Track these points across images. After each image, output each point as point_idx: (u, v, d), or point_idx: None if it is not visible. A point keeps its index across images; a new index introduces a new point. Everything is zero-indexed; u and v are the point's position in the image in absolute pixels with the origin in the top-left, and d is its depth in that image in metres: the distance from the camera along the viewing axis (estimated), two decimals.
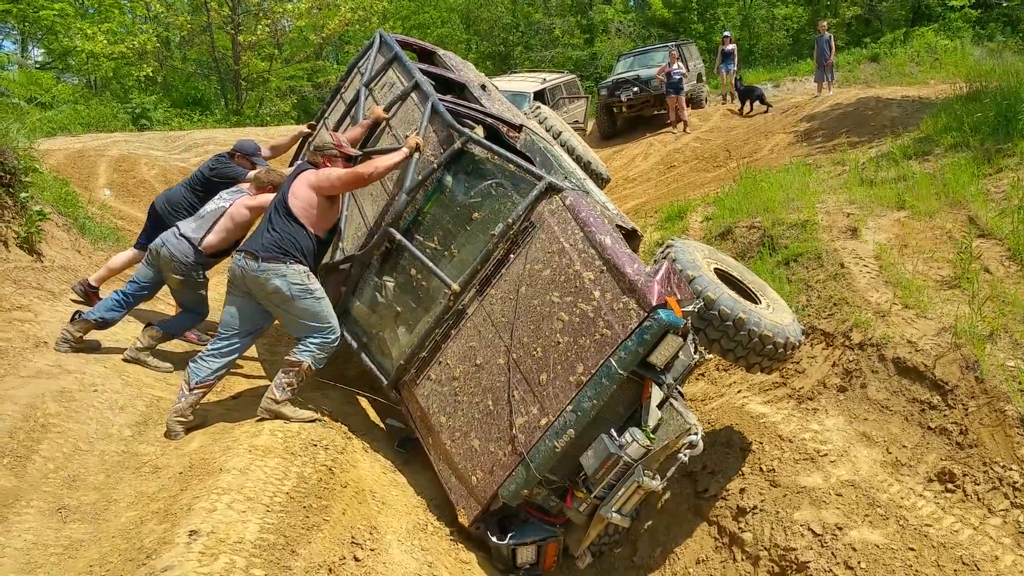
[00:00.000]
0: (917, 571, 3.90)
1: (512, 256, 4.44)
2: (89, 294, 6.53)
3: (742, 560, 4.40)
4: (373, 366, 5.07)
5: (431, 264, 4.75)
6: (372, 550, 3.89)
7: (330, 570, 3.60)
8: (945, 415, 4.67)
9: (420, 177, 4.95)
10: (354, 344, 5.14)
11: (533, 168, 4.59)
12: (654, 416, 3.98)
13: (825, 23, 16.86)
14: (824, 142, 10.91)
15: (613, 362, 3.91)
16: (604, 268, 4.07)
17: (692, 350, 4.27)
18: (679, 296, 4.09)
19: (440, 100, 5.28)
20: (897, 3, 25.80)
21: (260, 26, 23.76)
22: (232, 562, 3.41)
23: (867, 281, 5.83)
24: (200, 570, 3.31)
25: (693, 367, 4.41)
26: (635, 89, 16.89)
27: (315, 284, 4.89)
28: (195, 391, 4.84)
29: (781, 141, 12.32)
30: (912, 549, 4.02)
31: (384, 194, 5.23)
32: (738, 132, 14.75)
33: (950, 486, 4.35)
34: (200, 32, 23.95)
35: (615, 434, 3.98)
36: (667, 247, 4.85)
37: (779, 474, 4.65)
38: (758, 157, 11.95)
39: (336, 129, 6.29)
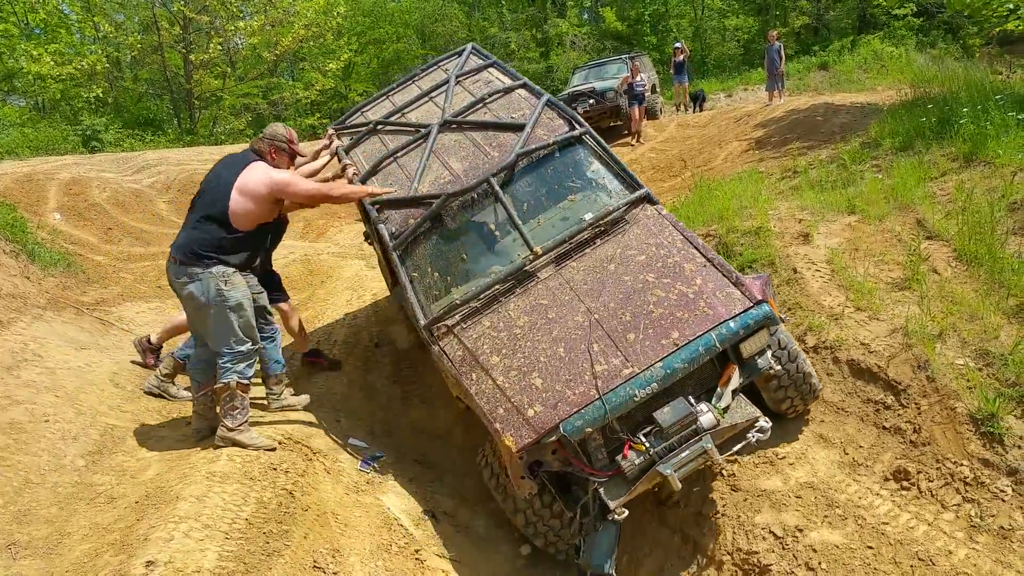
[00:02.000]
0: (876, 569, 3.96)
1: (599, 240, 4.92)
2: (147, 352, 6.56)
3: (706, 566, 4.43)
4: (416, 302, 5.07)
5: (519, 223, 5.00)
6: (335, 573, 3.86)
7: None
8: (899, 414, 4.76)
9: (532, 147, 5.31)
10: (405, 279, 5.17)
11: (635, 176, 5.26)
12: (727, 399, 4.29)
13: (775, 33, 17.22)
14: (776, 149, 11.11)
15: (713, 335, 4.25)
16: (706, 264, 4.60)
17: (769, 358, 4.51)
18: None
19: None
20: (844, 12, 26.42)
21: (212, 44, 23.55)
22: None
23: (820, 285, 5.94)
24: None
25: (758, 375, 4.54)
26: (591, 101, 17.04)
27: (235, 292, 4.80)
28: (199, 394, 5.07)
29: (735, 149, 12.52)
30: (870, 547, 4.08)
31: (476, 151, 5.50)
32: (693, 142, 14.94)
33: (905, 484, 4.43)
34: (151, 52, 23.68)
35: (692, 400, 4.24)
36: None
37: (739, 479, 4.70)
38: (713, 166, 12.12)
39: (401, 110, 6.49)
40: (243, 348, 4.88)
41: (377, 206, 5.40)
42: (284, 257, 9.90)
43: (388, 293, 8.57)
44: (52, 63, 20.84)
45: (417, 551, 4.47)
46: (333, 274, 9.51)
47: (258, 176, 4.89)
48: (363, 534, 4.39)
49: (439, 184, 5.35)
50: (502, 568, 4.89)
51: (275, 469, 4.61)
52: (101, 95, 22.66)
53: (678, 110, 19.38)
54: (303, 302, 8.68)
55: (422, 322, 4.96)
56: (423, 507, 5.07)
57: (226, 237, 4.84)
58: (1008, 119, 7.58)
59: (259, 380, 5.76)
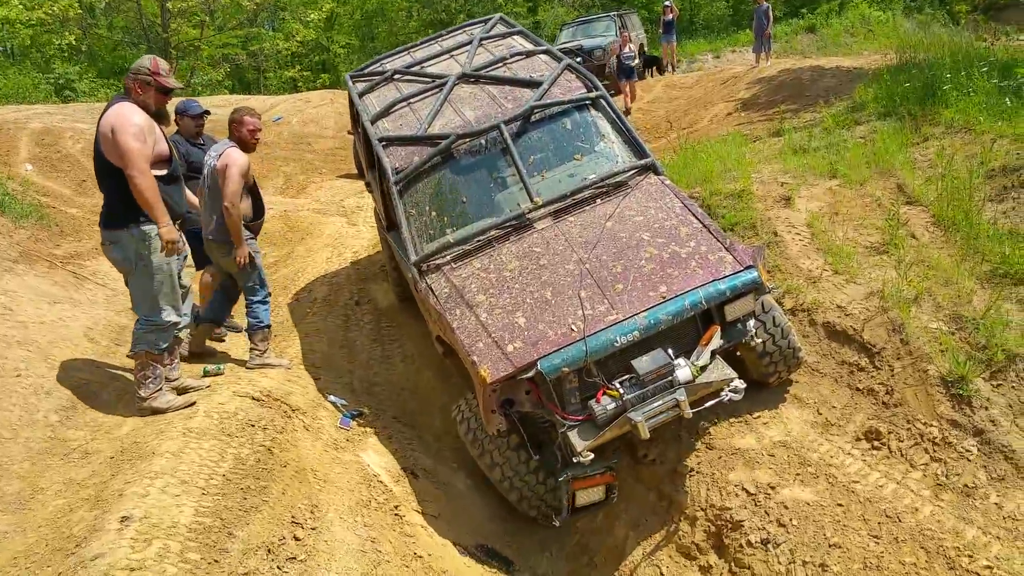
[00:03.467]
0: (845, 525, 4.06)
1: (600, 200, 5.03)
2: None
3: (680, 521, 4.51)
4: (410, 239, 5.14)
5: (524, 172, 5.11)
6: (313, 528, 3.88)
7: (269, 550, 3.58)
8: (872, 376, 4.84)
9: (547, 101, 5.42)
10: (402, 215, 5.21)
11: (644, 146, 5.35)
12: (705, 357, 4.34)
13: None
14: (762, 112, 11.07)
15: (700, 293, 4.32)
16: (702, 228, 4.68)
17: (752, 325, 4.54)
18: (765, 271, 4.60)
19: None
20: None
21: None
22: (166, 547, 3.37)
23: (799, 248, 5.97)
24: (132, 556, 3.27)
25: (738, 343, 4.60)
26: (578, 59, 16.86)
27: (157, 257, 4.63)
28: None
29: (720, 111, 12.46)
30: (840, 505, 4.17)
31: (491, 102, 5.59)
32: (679, 103, 14.85)
33: (876, 444, 4.52)
34: None
35: (671, 353, 4.29)
36: None
37: (715, 437, 4.76)
38: (698, 128, 12.07)
39: (421, 63, 6.60)
40: (158, 319, 4.73)
41: (384, 142, 5.44)
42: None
43: (368, 253, 8.56)
44: (21, 7, 20.20)
45: (396, 507, 4.51)
46: (313, 231, 9.44)
47: (106, 118, 4.53)
48: (342, 490, 4.41)
49: (450, 128, 5.40)
50: (481, 524, 4.96)
51: (253, 426, 4.62)
52: (74, 42, 22.13)
53: (666, 70, 19.22)
54: (282, 259, 8.63)
55: (413, 258, 5.02)
56: (403, 464, 5.11)
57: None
58: (990, 86, 7.59)
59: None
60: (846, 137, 7.94)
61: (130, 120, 4.46)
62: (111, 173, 4.52)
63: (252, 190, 5.76)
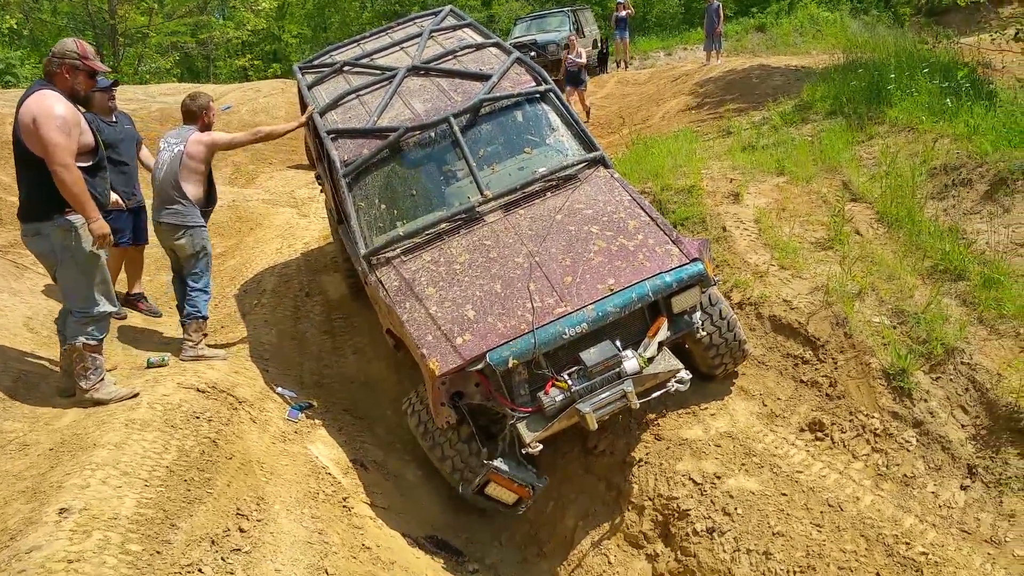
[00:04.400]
0: (788, 514, 4.14)
1: (549, 193, 5.05)
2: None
3: (628, 511, 4.56)
4: (359, 232, 5.10)
5: (474, 165, 5.11)
6: (259, 520, 3.82)
7: (213, 542, 3.51)
8: (816, 369, 4.94)
9: (496, 95, 5.41)
10: (351, 207, 5.16)
11: (593, 140, 5.39)
12: (652, 349, 4.40)
13: None
14: (712, 109, 11.21)
15: (648, 285, 4.38)
16: (649, 222, 4.75)
17: (698, 317, 4.61)
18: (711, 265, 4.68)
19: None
20: None
21: None
22: (106, 538, 3.29)
23: (747, 243, 6.07)
24: (71, 548, 3.18)
25: (684, 335, 4.66)
26: (532, 54, 16.86)
27: (85, 247, 4.46)
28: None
29: (672, 108, 12.58)
30: (784, 494, 4.26)
31: (440, 95, 5.57)
32: (632, 99, 14.95)
33: (819, 435, 4.63)
34: None
35: (619, 345, 4.35)
36: None
37: (663, 428, 4.82)
38: (650, 124, 12.17)
39: (371, 55, 6.54)
40: (93, 310, 4.59)
41: (333, 134, 5.40)
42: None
43: (319, 244, 8.46)
44: None
45: (345, 499, 4.47)
46: (263, 222, 9.29)
47: (27, 106, 4.35)
48: (289, 482, 4.36)
49: (399, 121, 5.37)
50: (431, 516, 4.94)
51: (198, 417, 4.52)
52: (16, 27, 21.37)
53: (618, 66, 19.35)
54: (230, 249, 8.47)
55: (362, 251, 4.99)
56: (352, 456, 5.06)
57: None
58: (933, 87, 7.79)
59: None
60: (794, 135, 8.08)
61: (53, 111, 4.25)
62: (32, 163, 4.33)
63: (208, 176, 5.84)
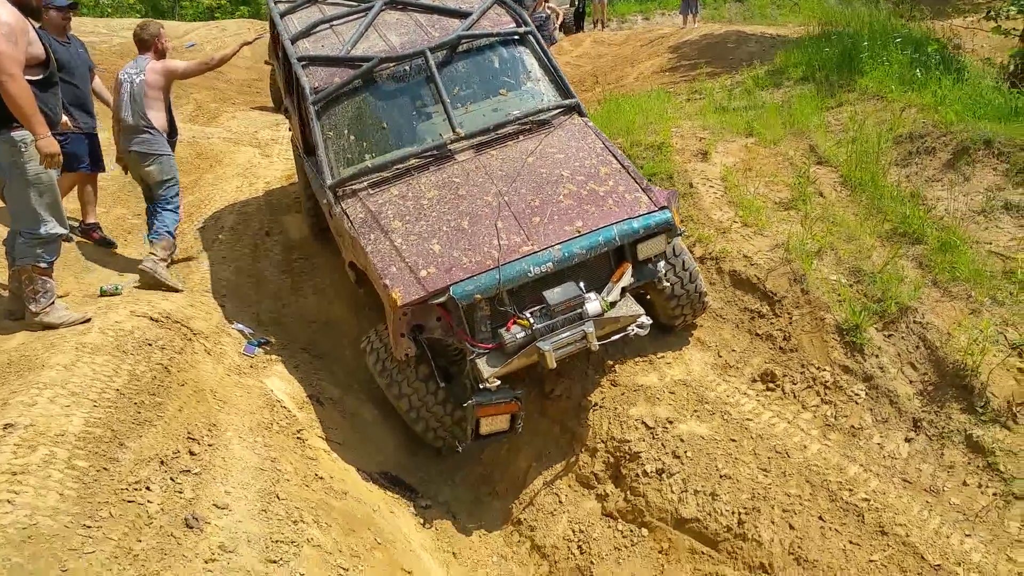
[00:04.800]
0: (736, 459, 4.23)
1: (522, 137, 5.02)
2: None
3: (581, 453, 4.62)
4: (326, 162, 5.01)
5: (447, 102, 5.02)
6: (210, 445, 3.81)
7: (163, 462, 3.50)
8: (772, 323, 5.02)
9: (475, 32, 5.35)
10: (319, 136, 5.06)
11: (569, 87, 5.35)
12: (615, 294, 4.43)
13: None
14: (686, 72, 11.17)
15: (615, 229, 4.39)
16: (620, 169, 4.76)
17: (662, 266, 4.62)
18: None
19: None
20: None
21: None
22: (52, 453, 3.27)
23: (712, 200, 6.10)
24: (15, 462, 3.16)
25: (647, 283, 4.68)
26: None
27: (33, 165, 4.35)
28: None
29: (646, 69, 12.50)
30: (733, 440, 4.34)
31: (417, 29, 5.49)
32: (607, 59, 14.82)
33: (771, 385, 4.71)
34: None
35: (583, 287, 4.37)
36: None
37: (619, 374, 4.88)
38: (624, 84, 12.09)
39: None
40: (41, 230, 4.49)
41: (304, 61, 5.28)
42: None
43: (281, 184, 8.33)
44: None
45: (299, 431, 4.46)
46: (223, 160, 9.09)
47: None
48: (243, 412, 4.33)
49: (373, 52, 5.27)
50: (386, 454, 4.96)
51: (150, 345, 4.47)
52: None
53: (595, 26, 19.18)
54: (189, 186, 8.28)
55: (329, 182, 4.91)
56: (308, 392, 5.05)
57: None
58: (904, 58, 7.85)
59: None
60: (765, 99, 8.10)
61: None
62: None
63: (167, 105, 6.17)
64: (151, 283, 5.61)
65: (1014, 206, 5.28)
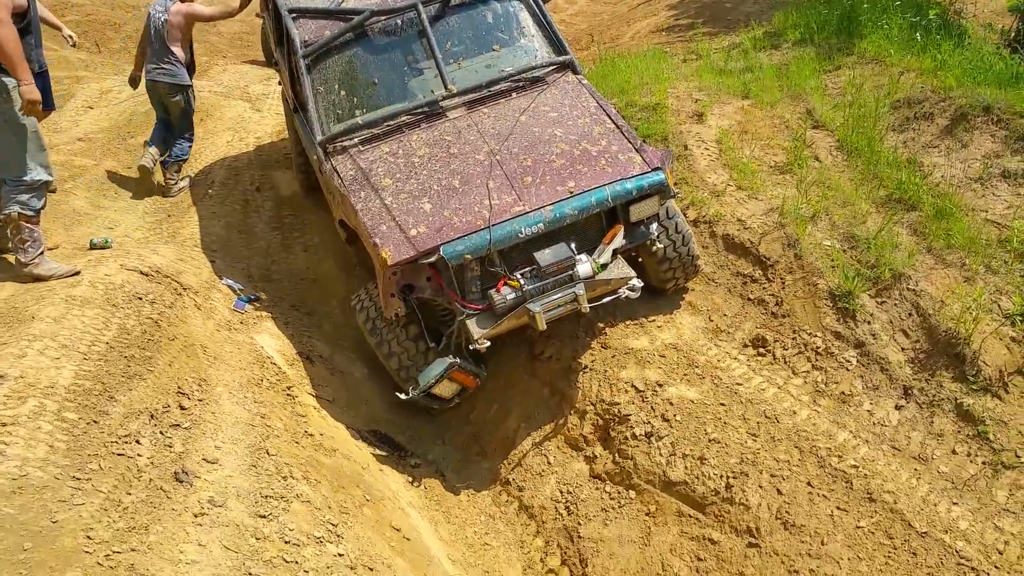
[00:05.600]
0: (725, 423, 4.24)
1: (515, 94, 4.94)
2: None
3: (570, 415, 4.63)
4: (316, 117, 4.95)
5: (439, 57, 4.92)
6: (200, 400, 3.79)
7: (152, 416, 3.48)
8: (764, 288, 5.01)
9: None
10: (309, 91, 4.97)
11: (564, 43, 5.25)
12: (607, 256, 4.40)
13: None
14: (683, 31, 11.03)
15: (607, 190, 4.35)
16: (614, 129, 4.68)
17: (655, 229, 4.60)
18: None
19: None
20: None
21: None
22: (42, 405, 3.25)
23: (707, 163, 6.05)
24: (4, 413, 3.15)
25: (638, 245, 4.66)
26: None
27: (17, 108, 4.32)
28: None
29: (642, 28, 12.34)
30: (723, 404, 4.35)
31: None
32: (603, 18, 14.63)
33: (762, 351, 4.71)
34: None
35: (574, 248, 4.34)
36: None
37: (610, 337, 4.86)
38: (620, 43, 11.93)
39: None
40: (27, 177, 4.47)
41: (294, 13, 5.19)
42: None
43: (272, 140, 8.22)
44: None
45: (289, 388, 4.45)
46: (214, 113, 8.94)
47: None
48: (233, 368, 4.31)
49: (365, 4, 5.16)
50: (376, 412, 4.96)
51: (140, 299, 4.43)
52: None
53: None
54: None
55: (319, 138, 4.84)
56: (299, 349, 5.02)
57: None
58: (904, 22, 7.75)
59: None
60: (762, 61, 7.99)
61: None
62: None
63: (190, 44, 7.02)
64: (165, 191, 6.99)
65: (1012, 174, 5.25)
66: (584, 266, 4.26)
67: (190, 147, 7.21)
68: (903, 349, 4.50)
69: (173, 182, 6.99)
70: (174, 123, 7.06)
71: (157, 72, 6.77)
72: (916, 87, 6.37)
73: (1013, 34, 7.72)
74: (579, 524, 4.16)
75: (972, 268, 4.71)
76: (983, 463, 3.98)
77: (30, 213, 4.47)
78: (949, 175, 5.41)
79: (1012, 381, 4.22)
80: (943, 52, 6.83)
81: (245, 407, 3.93)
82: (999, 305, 4.49)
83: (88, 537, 2.71)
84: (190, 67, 7.02)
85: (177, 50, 6.77)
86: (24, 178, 4.42)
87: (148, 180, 7.04)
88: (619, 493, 4.25)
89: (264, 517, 3.19)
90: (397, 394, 4.55)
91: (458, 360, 4.36)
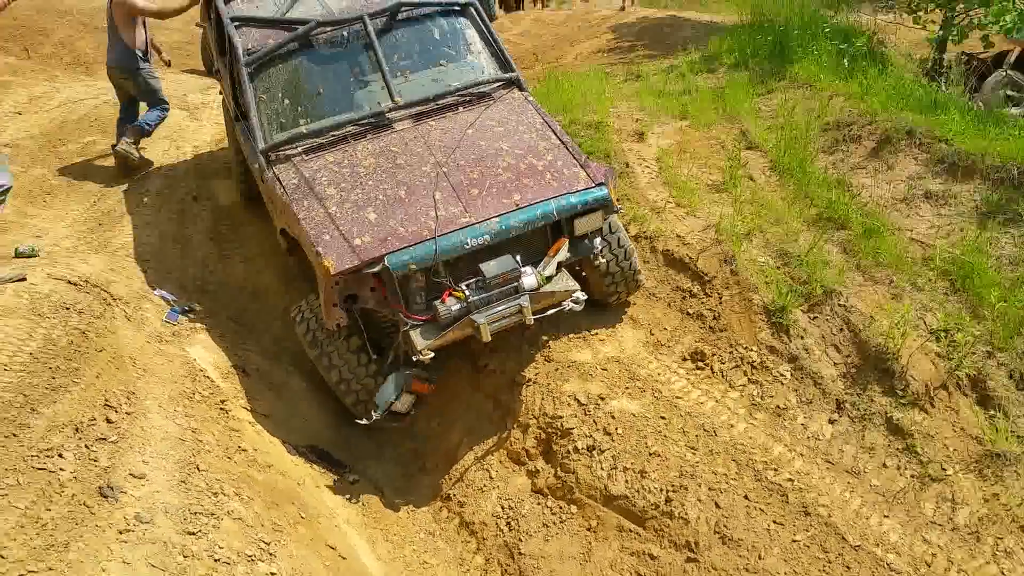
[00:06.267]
0: (666, 436, 4.28)
1: (462, 108, 4.97)
2: None
3: (513, 428, 4.61)
4: (258, 125, 4.85)
5: (386, 70, 4.92)
6: (128, 413, 3.66)
7: (77, 429, 3.35)
8: (702, 302, 5.09)
9: (416, 0, 5.26)
10: (251, 100, 4.90)
11: (511, 60, 5.30)
12: (551, 268, 4.45)
13: None
14: (623, 54, 11.22)
15: (553, 204, 4.40)
16: (559, 145, 4.76)
17: (598, 243, 4.63)
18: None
19: None
20: None
21: None
22: None
23: (647, 180, 6.15)
24: None
25: (582, 259, 4.69)
26: None
27: None
28: None
29: (585, 49, 12.51)
30: (663, 418, 4.39)
31: None
32: (546, 39, 14.77)
33: (700, 364, 4.79)
34: None
35: (519, 260, 4.35)
36: None
37: (553, 351, 4.87)
38: (563, 63, 12.07)
39: None
40: None
41: (237, 21, 5.12)
42: (94, 99, 8.98)
43: (211, 149, 8.06)
44: None
45: (223, 401, 4.33)
46: None
47: None
48: (163, 381, 4.18)
49: (311, 15, 5.13)
50: (315, 427, 4.86)
51: (67, 308, 4.28)
52: None
53: (535, 4, 19.09)
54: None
55: (261, 146, 4.77)
56: (234, 362, 4.90)
57: None
58: (832, 48, 8.03)
59: None
60: (699, 83, 8.18)
61: None
62: None
63: (144, 28, 7.18)
64: (125, 164, 7.12)
65: (933, 195, 5.47)
66: (529, 278, 4.28)
67: (159, 119, 7.39)
68: (835, 364, 4.62)
69: (126, 145, 7.06)
70: (141, 101, 7.39)
71: (109, 57, 7.14)
72: (844, 111, 6.60)
73: (931, 64, 8.09)
74: (520, 540, 4.14)
75: (899, 285, 4.87)
76: (911, 476, 4.10)
77: None
78: (876, 195, 5.61)
79: (937, 395, 4.36)
80: (869, 78, 7.10)
81: (175, 421, 3.81)
82: (924, 321, 4.66)
83: (1, 556, 2.59)
84: (145, 52, 7.19)
85: (127, 35, 6.96)
86: None
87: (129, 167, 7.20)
88: (560, 508, 4.24)
89: (193, 534, 3.08)
90: (358, 421, 4.47)
91: (411, 370, 4.31)
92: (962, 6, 7.73)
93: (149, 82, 7.27)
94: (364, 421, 4.41)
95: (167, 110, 7.54)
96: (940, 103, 6.52)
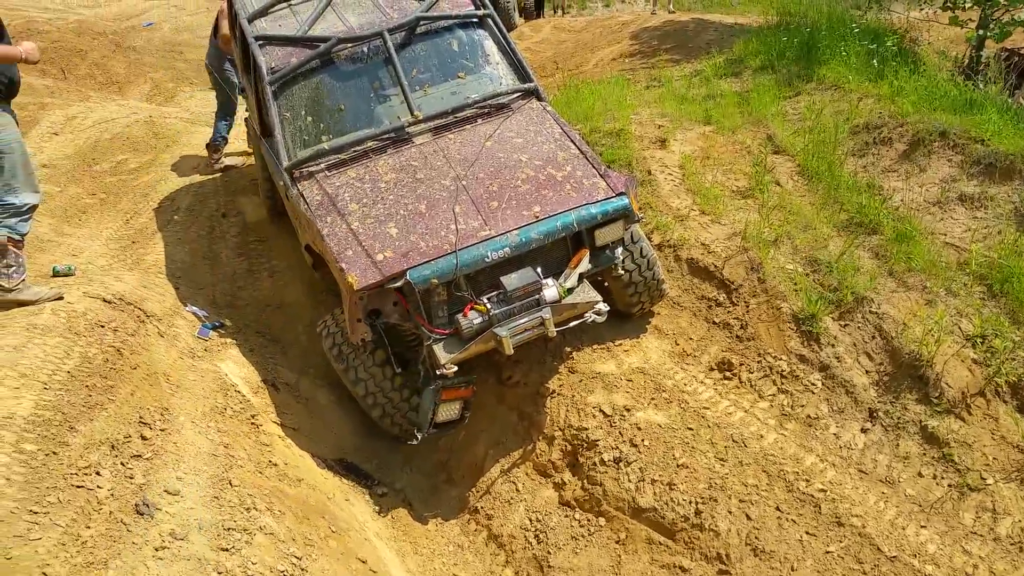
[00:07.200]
0: (694, 447, 4.25)
1: (480, 120, 4.98)
2: None
3: (538, 440, 4.61)
4: (282, 143, 4.92)
5: (406, 84, 4.97)
6: (162, 430, 3.73)
7: (113, 447, 3.42)
8: (729, 311, 5.05)
9: (434, 14, 5.29)
10: (275, 117, 4.97)
11: (529, 71, 5.31)
12: (572, 280, 4.42)
13: None
14: (646, 59, 11.19)
15: (573, 215, 4.38)
16: (579, 155, 4.74)
17: (619, 253, 4.62)
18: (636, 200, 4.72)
19: None
20: None
21: None
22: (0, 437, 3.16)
23: (671, 188, 6.12)
24: None
25: (603, 269, 4.68)
26: None
27: (6, 134, 4.34)
28: None
29: (606, 56, 12.49)
30: (690, 428, 4.37)
31: (375, 10, 5.39)
32: (567, 45, 14.78)
33: (728, 374, 4.75)
34: None
35: (540, 273, 4.36)
36: None
37: (577, 362, 4.87)
38: (584, 70, 12.07)
39: None
40: (14, 201, 4.43)
41: (261, 41, 5.18)
42: (126, 118, 9.16)
43: (238, 165, 8.18)
44: None
45: (254, 416, 4.39)
46: (180, 140, 8.88)
47: None
48: (196, 397, 4.25)
49: (331, 32, 5.18)
50: (342, 440, 4.91)
51: (103, 327, 4.36)
52: None
53: (555, 12, 19.10)
54: (144, 165, 8.10)
55: (285, 163, 4.83)
56: (263, 376, 4.96)
57: None
58: (861, 48, 7.94)
59: None
60: (723, 87, 8.13)
61: None
62: None
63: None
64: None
65: (968, 197, 5.37)
66: (550, 290, 4.28)
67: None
68: (867, 372, 4.56)
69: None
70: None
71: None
72: (874, 113, 6.51)
73: (967, 62, 7.94)
74: (549, 553, 4.13)
75: (933, 291, 4.79)
76: (949, 485, 4.02)
77: (17, 237, 4.44)
78: (908, 199, 5.53)
79: (974, 403, 4.28)
80: (900, 79, 7.00)
81: (208, 436, 3.87)
82: (960, 327, 4.57)
83: (44, 574, 2.64)
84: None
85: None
86: (13, 201, 4.38)
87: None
88: (588, 520, 4.24)
89: (227, 550, 3.12)
90: (409, 442, 4.49)
91: (441, 381, 4.32)
92: (1004, 1, 7.57)
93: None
94: (414, 441, 4.43)
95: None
96: (976, 102, 6.39)
